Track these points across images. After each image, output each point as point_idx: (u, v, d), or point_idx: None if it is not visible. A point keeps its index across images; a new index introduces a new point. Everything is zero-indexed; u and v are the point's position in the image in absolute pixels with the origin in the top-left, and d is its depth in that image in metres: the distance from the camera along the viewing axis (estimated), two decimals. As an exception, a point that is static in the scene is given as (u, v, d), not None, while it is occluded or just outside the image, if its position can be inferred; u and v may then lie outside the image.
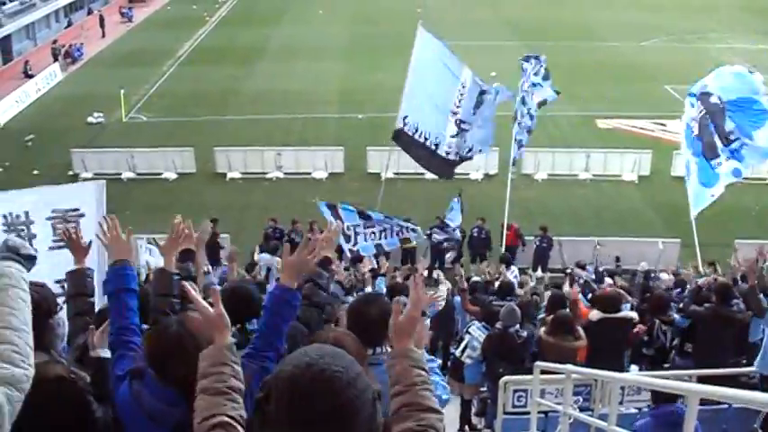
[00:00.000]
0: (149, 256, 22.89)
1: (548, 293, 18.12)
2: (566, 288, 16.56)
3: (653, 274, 24.17)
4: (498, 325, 12.91)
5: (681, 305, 13.84)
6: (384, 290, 17.83)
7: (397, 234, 24.07)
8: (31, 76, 53.12)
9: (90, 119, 44.80)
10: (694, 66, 52.44)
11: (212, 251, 24.84)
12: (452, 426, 14.37)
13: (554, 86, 26.89)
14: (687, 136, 23.05)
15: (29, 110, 47.96)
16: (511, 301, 14.15)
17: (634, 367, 13.52)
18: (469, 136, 25.06)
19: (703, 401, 6.06)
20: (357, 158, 37.33)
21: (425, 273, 27.85)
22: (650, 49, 58.68)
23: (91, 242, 7.54)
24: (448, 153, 24.31)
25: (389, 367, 3.76)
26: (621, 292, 14.77)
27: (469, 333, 13.88)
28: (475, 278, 22.36)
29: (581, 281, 21.14)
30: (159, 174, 37.23)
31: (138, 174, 36.72)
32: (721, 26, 64.33)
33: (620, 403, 10.03)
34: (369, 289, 18.23)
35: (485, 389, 13.87)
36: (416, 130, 24.21)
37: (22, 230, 9.48)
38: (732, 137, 21.89)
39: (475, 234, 28.03)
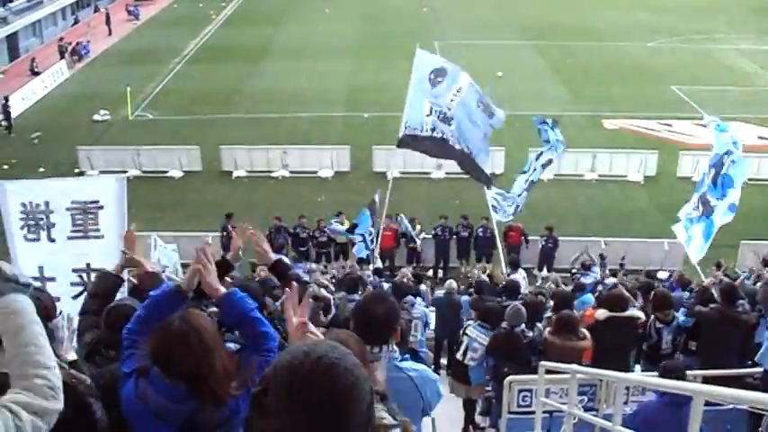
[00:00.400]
0: (161, 254, 22.92)
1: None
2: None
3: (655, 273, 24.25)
4: (504, 324, 12.90)
5: (686, 306, 13.82)
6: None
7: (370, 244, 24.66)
8: (37, 74, 53.17)
9: (96, 116, 44.87)
10: (700, 66, 52.70)
11: (227, 248, 24.86)
12: (456, 425, 14.39)
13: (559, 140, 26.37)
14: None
15: (35, 107, 47.99)
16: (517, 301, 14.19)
17: (638, 367, 13.54)
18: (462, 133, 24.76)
19: (708, 402, 6.05)
20: (363, 157, 37.34)
21: (431, 272, 27.94)
22: (657, 50, 58.65)
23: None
24: (434, 130, 24.04)
25: None
26: (626, 294, 14.74)
27: (467, 335, 13.84)
28: (483, 277, 22.32)
29: (589, 280, 21.18)
30: (165, 172, 37.25)
31: (144, 172, 36.72)
32: (728, 27, 64.29)
33: (625, 403, 10.01)
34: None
35: (489, 388, 13.85)
36: (414, 128, 24.16)
37: (41, 219, 9.62)
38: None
39: (480, 234, 28.02)
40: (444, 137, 23.29)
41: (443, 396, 6.12)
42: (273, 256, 6.83)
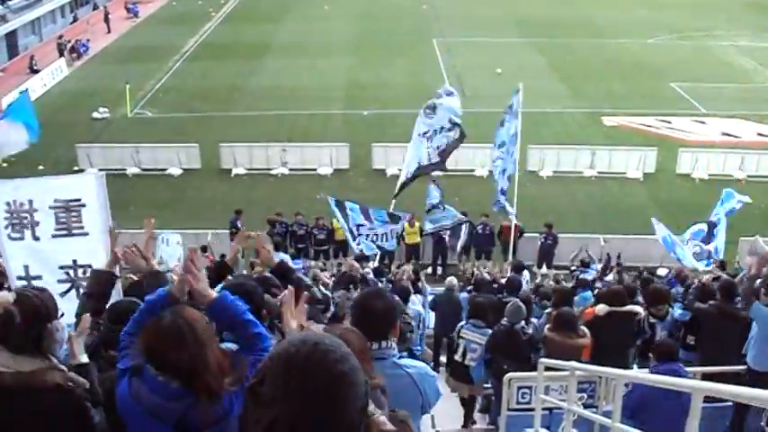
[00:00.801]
0: (166, 247, 22.92)
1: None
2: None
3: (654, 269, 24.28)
4: (504, 321, 12.91)
5: (685, 301, 13.83)
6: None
7: (395, 238, 24.48)
8: (36, 71, 53.18)
9: (95, 114, 44.87)
10: (700, 63, 52.72)
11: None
12: (455, 423, 14.40)
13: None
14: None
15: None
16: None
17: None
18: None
19: (707, 398, 6.05)
20: (362, 154, 37.37)
21: (429, 269, 27.95)
22: (656, 47, 58.67)
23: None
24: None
25: None
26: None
27: (462, 337, 13.84)
28: (484, 274, 22.38)
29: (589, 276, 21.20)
30: (164, 169, 37.25)
31: (143, 169, 36.73)
32: (727, 24, 64.33)
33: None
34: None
35: (489, 385, 13.86)
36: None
37: (25, 218, 9.61)
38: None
39: (479, 231, 28.00)
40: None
41: (443, 394, 6.14)
42: (276, 259, 6.84)
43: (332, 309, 14.31)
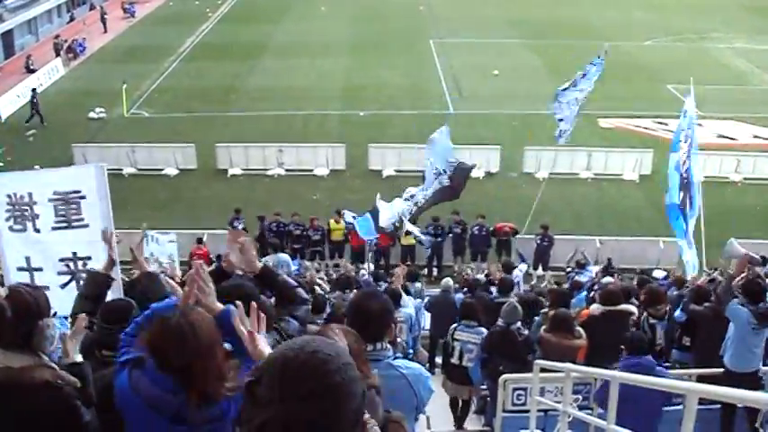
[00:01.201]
0: (156, 245, 22.91)
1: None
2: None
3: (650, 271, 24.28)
4: (500, 322, 12.92)
5: (681, 304, 13.84)
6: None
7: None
8: (33, 71, 53.14)
9: (92, 114, 44.79)
10: (697, 65, 52.63)
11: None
12: (450, 424, 14.40)
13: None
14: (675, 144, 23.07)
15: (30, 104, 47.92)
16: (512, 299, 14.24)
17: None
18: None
19: (702, 401, 6.05)
20: (358, 155, 37.35)
21: (425, 271, 27.93)
22: (653, 49, 58.67)
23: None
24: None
25: None
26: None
27: (457, 339, 13.84)
28: (479, 276, 22.38)
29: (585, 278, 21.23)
30: (160, 170, 37.21)
31: (140, 169, 36.68)
32: (724, 26, 64.33)
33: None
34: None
35: (484, 387, 13.86)
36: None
37: (26, 210, 9.70)
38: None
39: (476, 232, 28.03)
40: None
41: (435, 392, 6.15)
42: (259, 265, 6.80)
43: (327, 309, 14.34)
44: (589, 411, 10.27)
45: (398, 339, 13.59)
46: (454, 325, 14.18)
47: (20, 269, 9.61)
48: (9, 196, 9.66)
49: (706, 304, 12.71)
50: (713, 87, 46.17)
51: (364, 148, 37.18)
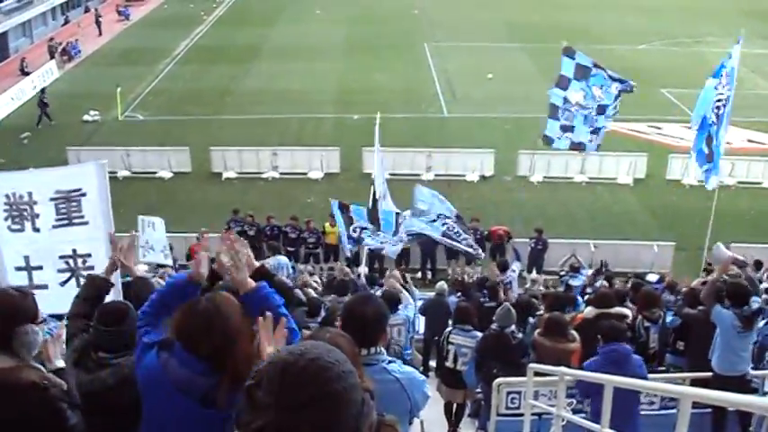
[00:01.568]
0: (152, 231, 22.85)
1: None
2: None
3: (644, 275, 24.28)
4: (494, 326, 12.92)
5: (674, 307, 13.87)
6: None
7: (400, 244, 24.23)
8: (27, 74, 53.13)
9: (86, 117, 44.81)
10: (691, 69, 52.65)
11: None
12: (444, 428, 14.38)
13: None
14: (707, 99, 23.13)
15: (25, 107, 47.88)
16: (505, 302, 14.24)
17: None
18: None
19: (694, 404, 6.07)
20: (353, 159, 37.32)
21: (419, 273, 27.90)
22: (648, 53, 58.74)
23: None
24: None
25: None
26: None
27: (451, 343, 13.84)
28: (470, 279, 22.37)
29: (579, 282, 21.25)
30: (155, 173, 37.20)
31: (134, 172, 36.64)
32: (719, 30, 64.26)
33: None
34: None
35: (479, 390, 13.85)
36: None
37: (25, 210, 9.69)
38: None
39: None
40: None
41: (431, 398, 6.15)
42: (256, 264, 6.80)
43: (322, 313, 14.33)
44: (583, 415, 10.26)
45: (395, 344, 13.62)
46: (449, 328, 14.17)
47: (18, 269, 9.61)
48: (7, 196, 9.66)
49: (700, 307, 12.72)
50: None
51: (358, 151, 37.15)
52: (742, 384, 11.22)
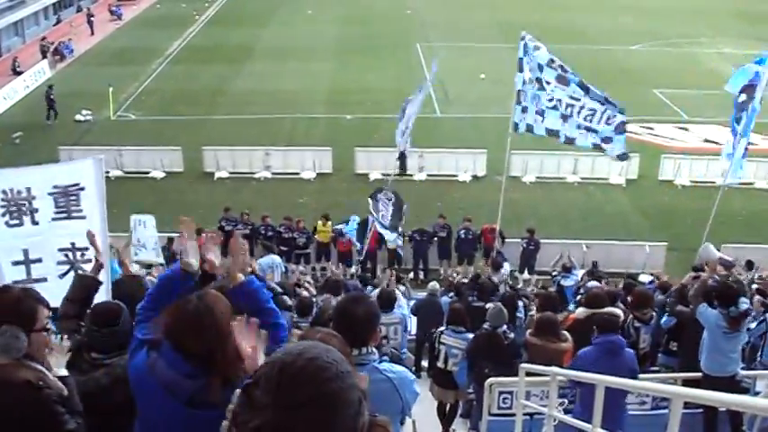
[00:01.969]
0: (143, 229, 22.83)
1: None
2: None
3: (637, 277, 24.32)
4: (486, 325, 12.92)
5: (666, 306, 13.85)
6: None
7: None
8: (19, 73, 53.03)
9: (78, 116, 44.72)
10: (684, 70, 52.83)
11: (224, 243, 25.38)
12: (437, 428, 14.37)
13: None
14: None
15: (17, 107, 47.86)
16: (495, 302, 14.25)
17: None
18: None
19: (686, 404, 6.07)
20: (345, 159, 37.35)
21: (411, 274, 27.90)
22: (640, 53, 58.81)
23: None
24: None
25: None
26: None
27: (443, 343, 13.85)
28: (463, 279, 22.39)
29: (571, 282, 21.27)
30: (147, 172, 37.18)
31: (126, 172, 36.58)
32: (711, 31, 64.44)
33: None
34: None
35: (471, 390, 13.85)
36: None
37: (24, 205, 9.76)
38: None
39: (462, 236, 28.04)
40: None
41: (421, 396, 6.14)
42: (248, 270, 6.80)
43: (314, 311, 14.34)
44: (574, 414, 10.26)
45: (390, 342, 13.62)
46: (441, 328, 14.18)
47: (15, 263, 9.62)
48: (4, 192, 9.70)
49: (692, 306, 12.74)
50: (700, 92, 46.36)
51: (351, 151, 37.17)
52: (732, 385, 11.23)
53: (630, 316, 13.46)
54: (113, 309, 6.60)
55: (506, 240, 27.74)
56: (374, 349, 5.57)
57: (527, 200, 33.55)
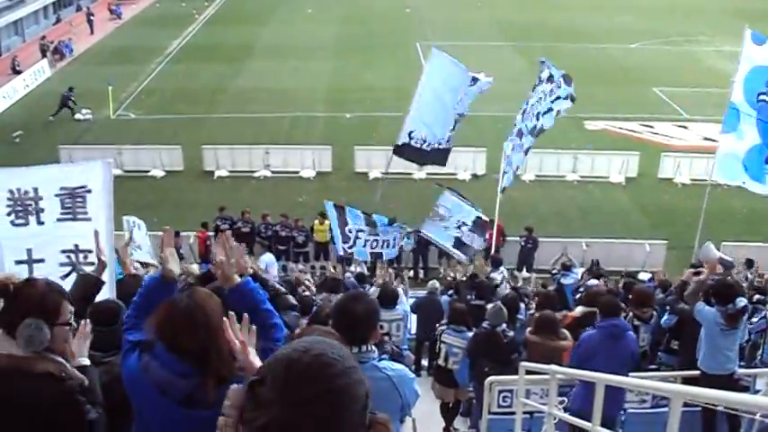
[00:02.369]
0: (137, 231, 22.83)
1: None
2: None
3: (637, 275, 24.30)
4: (485, 324, 12.92)
5: (667, 304, 13.82)
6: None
7: (398, 246, 24.29)
8: (19, 72, 53.02)
9: (78, 115, 44.66)
10: (683, 68, 52.82)
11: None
12: (437, 426, 14.38)
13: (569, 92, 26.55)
14: (751, 88, 22.24)
15: (17, 106, 47.84)
16: (493, 301, 14.26)
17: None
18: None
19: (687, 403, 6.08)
20: (345, 158, 37.37)
21: (411, 273, 27.91)
22: (639, 52, 58.79)
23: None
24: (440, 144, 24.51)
25: None
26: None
27: (444, 342, 13.87)
28: (462, 277, 22.38)
29: (570, 281, 21.27)
30: (147, 171, 37.19)
31: (126, 171, 36.51)
32: (710, 29, 64.38)
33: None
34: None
35: (470, 389, 13.86)
36: (423, 141, 24.43)
37: (30, 205, 9.77)
38: None
39: (462, 234, 28.06)
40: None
41: (421, 396, 6.14)
42: (250, 271, 6.79)
43: (313, 309, 14.33)
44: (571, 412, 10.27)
45: (392, 338, 13.62)
46: (442, 327, 14.20)
47: (18, 262, 9.62)
48: (11, 191, 9.71)
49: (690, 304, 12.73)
50: (699, 90, 46.34)
51: (350, 150, 37.18)
52: (730, 383, 11.22)
53: (630, 314, 13.45)
54: (112, 308, 6.63)
55: (506, 239, 27.76)
56: (374, 347, 5.58)
57: (526, 198, 33.53)
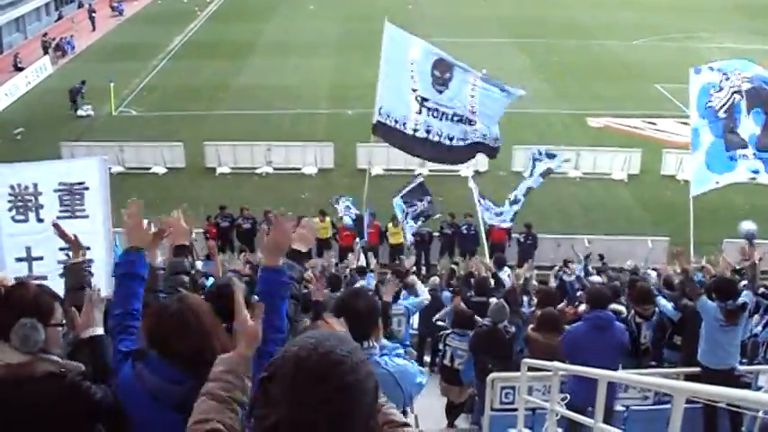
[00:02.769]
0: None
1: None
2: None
3: (642, 272, 24.19)
4: (487, 321, 12.91)
5: (673, 299, 13.80)
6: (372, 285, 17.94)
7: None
8: (21, 69, 53.02)
9: (80, 112, 44.67)
10: (685, 65, 52.32)
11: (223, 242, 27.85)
12: (440, 423, 14.39)
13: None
14: (701, 104, 22.61)
15: (18, 102, 47.85)
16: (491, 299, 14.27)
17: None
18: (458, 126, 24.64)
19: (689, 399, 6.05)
20: (347, 154, 37.35)
21: (413, 269, 27.86)
22: (641, 48, 58.77)
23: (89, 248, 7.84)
24: (416, 131, 24.25)
25: None
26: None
27: (448, 345, 13.87)
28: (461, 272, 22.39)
29: (572, 277, 21.25)
30: (148, 168, 37.18)
31: (128, 168, 36.57)
32: (712, 25, 64.35)
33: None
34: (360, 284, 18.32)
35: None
36: (389, 117, 24.43)
37: (30, 201, 9.83)
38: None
39: (464, 231, 28.07)
40: (428, 137, 23.59)
41: (422, 392, 6.14)
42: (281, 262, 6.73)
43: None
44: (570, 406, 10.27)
45: (395, 333, 13.62)
46: (447, 331, 14.23)
47: (18, 260, 9.67)
48: (12, 187, 9.78)
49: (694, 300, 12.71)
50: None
51: (352, 147, 37.13)
52: (730, 378, 11.21)
53: (632, 311, 13.43)
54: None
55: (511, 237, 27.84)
56: (376, 343, 5.57)
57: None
